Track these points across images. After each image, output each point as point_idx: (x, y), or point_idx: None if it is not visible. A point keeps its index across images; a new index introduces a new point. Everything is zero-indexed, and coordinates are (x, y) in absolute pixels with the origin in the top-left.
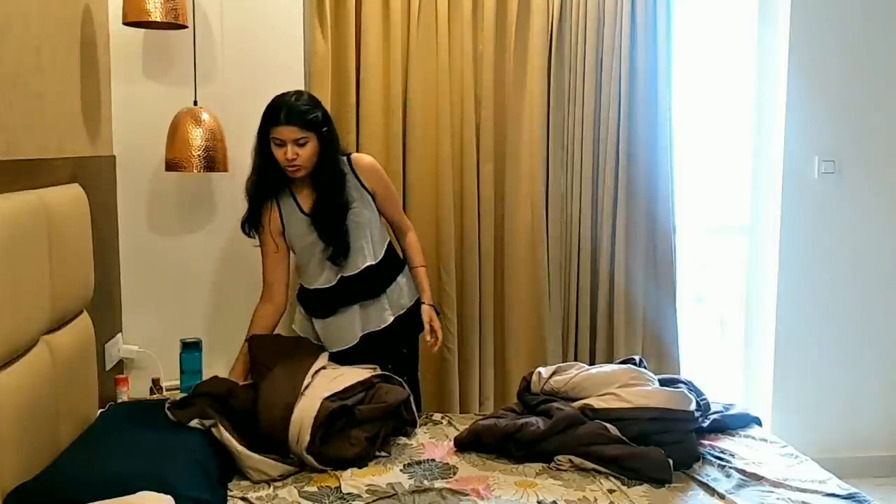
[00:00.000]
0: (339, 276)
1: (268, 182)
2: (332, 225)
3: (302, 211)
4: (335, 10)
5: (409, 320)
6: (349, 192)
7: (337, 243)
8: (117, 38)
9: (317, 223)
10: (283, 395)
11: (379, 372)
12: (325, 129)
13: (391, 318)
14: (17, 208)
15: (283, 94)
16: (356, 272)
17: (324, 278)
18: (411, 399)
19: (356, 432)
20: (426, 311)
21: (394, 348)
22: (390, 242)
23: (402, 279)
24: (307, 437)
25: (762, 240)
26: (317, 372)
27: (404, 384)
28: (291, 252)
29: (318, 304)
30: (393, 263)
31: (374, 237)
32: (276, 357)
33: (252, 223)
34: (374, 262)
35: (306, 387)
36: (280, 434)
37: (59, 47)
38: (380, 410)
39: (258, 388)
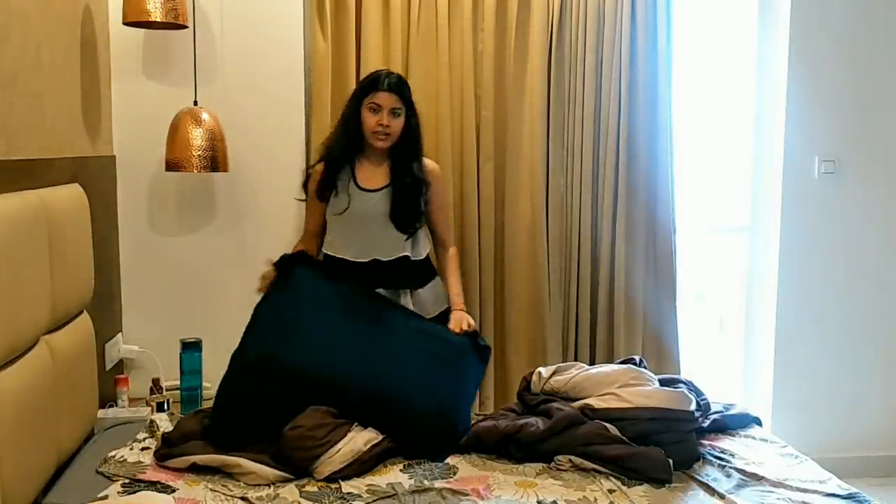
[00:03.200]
0: (372, 258)
1: (349, 147)
2: (409, 195)
3: (357, 185)
4: (335, 10)
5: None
6: None
7: (410, 214)
8: (117, 38)
9: (396, 191)
10: (324, 432)
11: None
12: (412, 111)
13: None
14: (17, 208)
15: (382, 69)
16: (392, 258)
17: (354, 251)
18: None
19: (374, 464)
20: (461, 315)
21: None
22: (429, 255)
23: (426, 291)
24: (339, 468)
25: (762, 240)
26: None
27: None
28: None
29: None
30: (426, 270)
31: (417, 235)
32: None
33: (326, 181)
34: (411, 255)
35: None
36: (306, 463)
37: (59, 47)
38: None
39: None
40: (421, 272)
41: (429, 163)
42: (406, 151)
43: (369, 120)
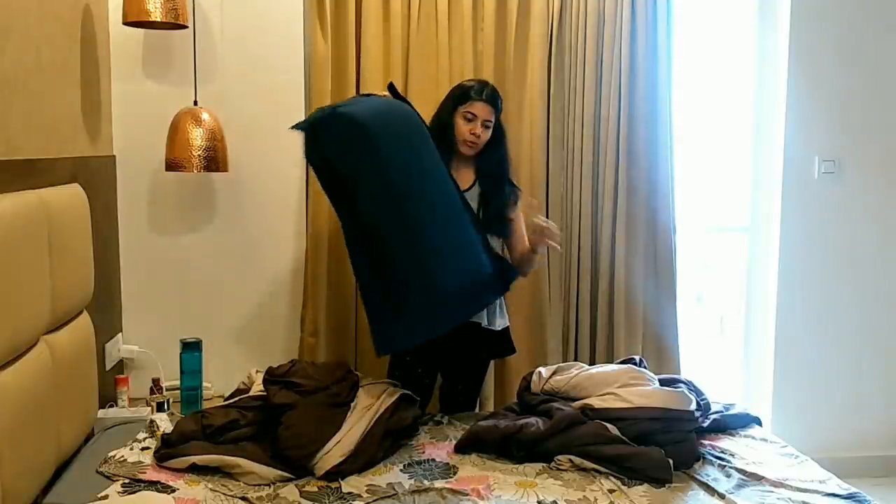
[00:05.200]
0: None
1: (443, 152)
2: (495, 194)
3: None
4: (335, 10)
5: (490, 342)
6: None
7: (495, 213)
8: (117, 38)
9: (482, 190)
10: (319, 427)
11: (399, 392)
12: (499, 123)
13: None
14: (17, 208)
15: (473, 79)
16: None
17: None
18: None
19: (374, 452)
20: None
21: (465, 356)
22: None
23: (497, 302)
24: (337, 461)
25: (762, 240)
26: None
27: (415, 399)
28: None
29: None
30: None
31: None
32: (313, 383)
33: None
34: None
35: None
36: (304, 461)
37: (59, 47)
38: (395, 427)
39: (290, 408)
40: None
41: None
42: (495, 160)
43: (462, 128)
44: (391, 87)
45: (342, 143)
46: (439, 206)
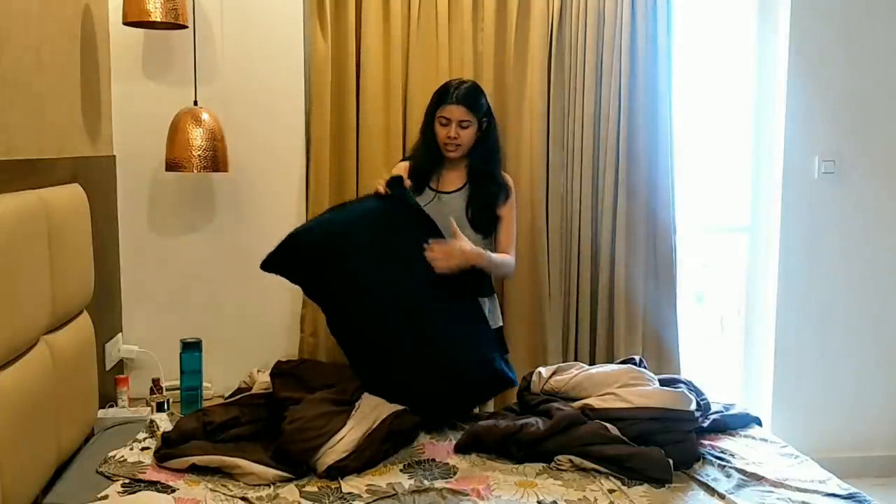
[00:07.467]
0: None
1: (429, 157)
2: (485, 195)
3: (432, 188)
4: (335, 11)
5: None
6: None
7: (485, 212)
8: (117, 38)
9: (472, 191)
10: (323, 422)
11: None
12: (485, 118)
13: None
14: (17, 208)
15: (453, 80)
16: None
17: None
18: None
19: (375, 452)
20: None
21: None
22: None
23: (488, 302)
24: (341, 457)
25: (762, 240)
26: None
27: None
28: None
29: None
30: (486, 283)
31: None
32: (319, 381)
33: (418, 186)
34: None
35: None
36: (307, 455)
37: (59, 47)
38: (397, 429)
39: (295, 402)
40: (481, 283)
41: (505, 175)
42: (481, 156)
43: (440, 132)
44: (393, 183)
45: (299, 264)
46: (394, 314)
